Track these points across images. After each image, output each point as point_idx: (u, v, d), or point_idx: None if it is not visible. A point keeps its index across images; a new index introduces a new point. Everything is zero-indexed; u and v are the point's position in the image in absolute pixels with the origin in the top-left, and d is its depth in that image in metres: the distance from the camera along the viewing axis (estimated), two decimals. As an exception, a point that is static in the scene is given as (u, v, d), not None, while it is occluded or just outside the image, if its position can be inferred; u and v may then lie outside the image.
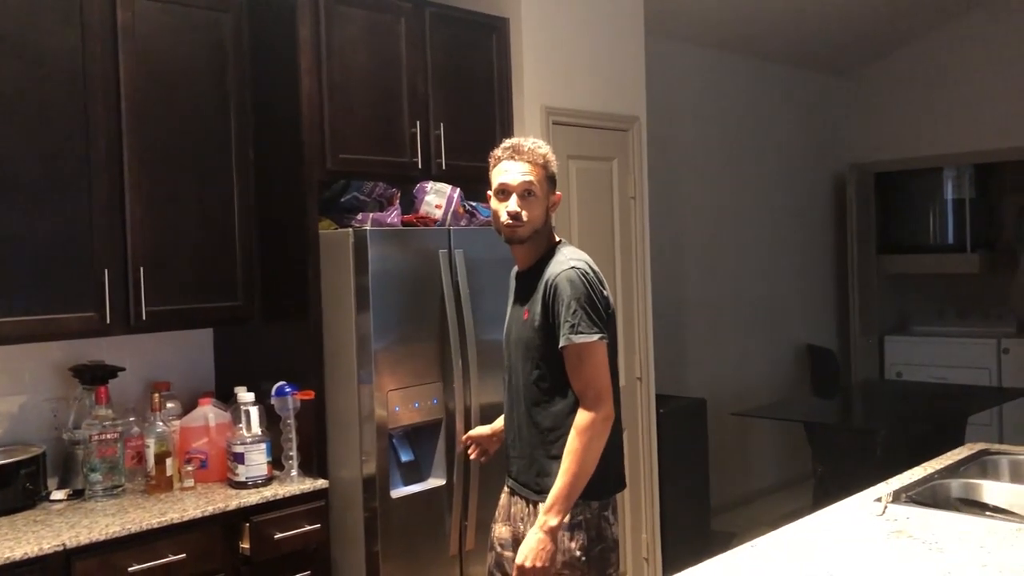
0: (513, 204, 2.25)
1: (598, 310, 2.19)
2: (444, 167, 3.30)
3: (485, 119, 3.50)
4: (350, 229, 2.94)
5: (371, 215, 3.08)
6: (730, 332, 5.91)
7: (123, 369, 2.95)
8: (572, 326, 2.16)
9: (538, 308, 2.24)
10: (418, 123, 3.23)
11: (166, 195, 2.89)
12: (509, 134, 3.52)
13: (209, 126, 3.00)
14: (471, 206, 3.33)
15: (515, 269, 2.42)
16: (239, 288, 3.08)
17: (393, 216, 3.12)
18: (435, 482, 3.05)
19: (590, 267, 2.25)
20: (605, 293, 2.25)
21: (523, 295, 2.33)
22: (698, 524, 4.65)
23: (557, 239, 2.36)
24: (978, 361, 6.55)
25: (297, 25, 2.95)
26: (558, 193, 2.36)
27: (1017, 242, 6.90)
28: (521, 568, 2.14)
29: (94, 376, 2.87)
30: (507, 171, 2.27)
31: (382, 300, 2.89)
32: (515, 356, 2.34)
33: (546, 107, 3.64)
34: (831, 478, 4.55)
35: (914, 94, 6.62)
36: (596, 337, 2.16)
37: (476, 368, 3.08)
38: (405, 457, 3.02)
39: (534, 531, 2.15)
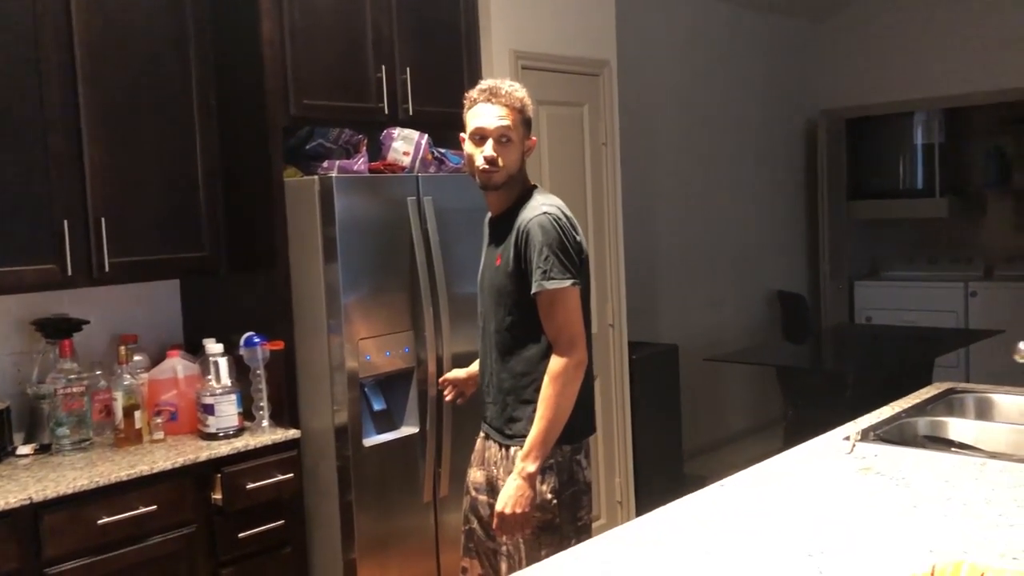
0: (489, 149, 2.21)
1: (570, 255, 2.17)
2: (411, 113, 3.24)
3: (453, 64, 3.43)
4: (316, 177, 2.89)
5: (337, 162, 3.03)
6: (701, 279, 5.93)
7: (87, 322, 2.90)
8: (544, 272, 2.14)
9: (510, 254, 2.21)
10: (383, 68, 3.16)
11: (125, 144, 2.82)
12: (477, 79, 3.43)
13: (168, 73, 2.92)
14: (440, 153, 3.28)
15: (488, 215, 2.39)
16: (204, 238, 3.02)
17: (360, 163, 3.07)
18: (408, 430, 3.04)
19: (563, 212, 2.22)
20: (578, 238, 2.22)
21: (496, 241, 2.31)
22: (671, 468, 4.70)
23: (531, 184, 2.33)
24: (946, 304, 6.64)
25: (256, -35, 2.86)
26: (533, 138, 2.32)
27: (985, 187, 6.95)
28: (501, 515, 2.15)
29: (57, 329, 2.82)
30: (483, 114, 2.23)
31: (350, 249, 2.85)
32: (488, 302, 2.32)
33: (515, 51, 3.58)
34: (802, 421, 4.61)
35: (884, 39, 6.59)
36: (568, 283, 2.15)
37: (448, 316, 3.06)
38: (377, 406, 3.00)
39: (512, 478, 2.16)
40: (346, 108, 3.09)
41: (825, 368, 5.17)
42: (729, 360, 5.11)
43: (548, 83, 3.74)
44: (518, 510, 2.13)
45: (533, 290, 2.16)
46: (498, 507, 2.16)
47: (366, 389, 2.98)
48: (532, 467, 2.14)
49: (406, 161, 3.16)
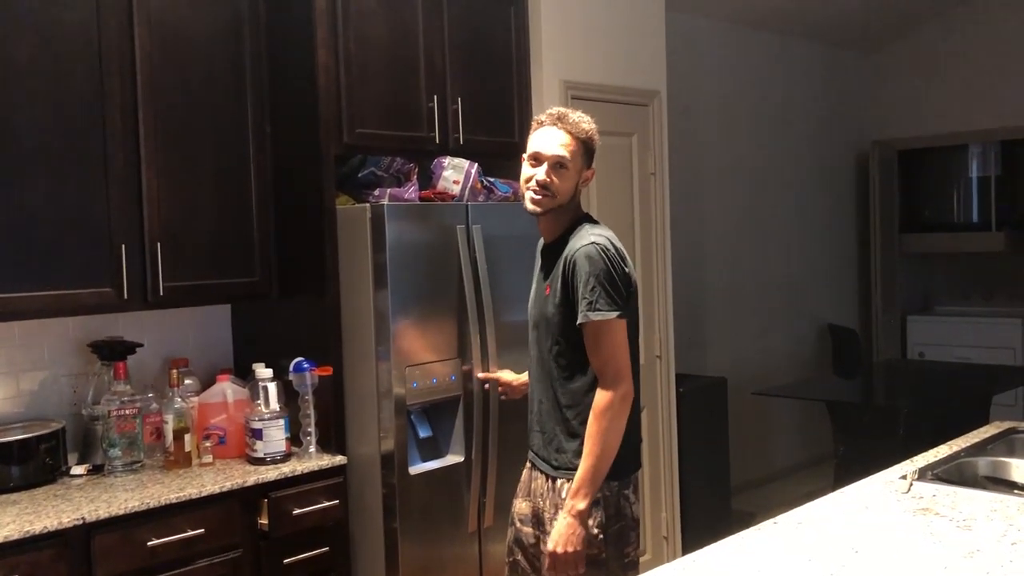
0: (542, 173, 2.21)
1: (617, 287, 2.15)
2: (462, 142, 3.26)
3: (503, 93, 3.46)
4: (367, 204, 2.92)
5: (388, 190, 3.05)
6: (751, 311, 5.86)
7: (141, 345, 2.95)
8: (590, 303, 2.12)
9: (558, 284, 2.20)
10: (435, 97, 3.19)
11: (182, 169, 2.87)
12: (527, 109, 3.48)
13: (225, 99, 2.98)
14: (489, 182, 3.30)
15: (541, 242, 2.38)
16: (256, 263, 3.06)
17: (411, 191, 3.09)
18: (453, 458, 3.03)
19: (611, 243, 2.20)
20: (627, 270, 2.20)
21: (546, 269, 2.30)
22: (718, 504, 4.62)
23: (585, 214, 2.32)
24: (1002, 341, 6.47)
25: (313, -4, 2.91)
26: (592, 168, 2.31)
27: (1043, 221, 6.79)
28: (553, 554, 2.12)
29: (112, 352, 2.87)
30: (545, 138, 2.23)
31: (400, 276, 2.87)
32: (537, 331, 2.31)
33: (565, 81, 3.60)
34: (853, 458, 4.50)
35: (938, 70, 6.51)
36: (614, 315, 2.12)
37: (495, 344, 3.05)
38: (423, 433, 3.00)
39: (562, 516, 2.14)
40: (398, 137, 3.12)
41: (877, 403, 5.06)
42: (778, 395, 5.03)
43: (597, 113, 3.67)
44: (570, 549, 2.10)
45: (579, 321, 2.14)
46: (549, 546, 2.14)
47: (412, 416, 2.97)
48: (582, 504, 2.11)
49: (456, 189, 3.17)
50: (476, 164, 3.22)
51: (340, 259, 2.97)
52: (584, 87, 3.67)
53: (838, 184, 6.70)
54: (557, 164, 2.20)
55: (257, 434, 2.84)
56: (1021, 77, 6.12)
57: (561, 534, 2.11)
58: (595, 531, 2.16)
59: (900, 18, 6.33)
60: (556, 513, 2.18)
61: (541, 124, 2.26)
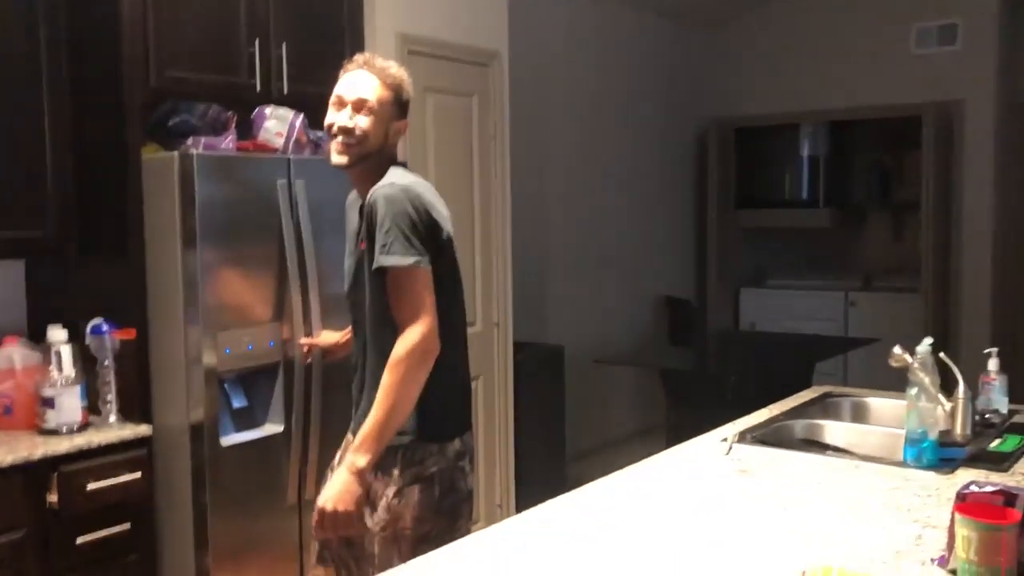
0: (345, 117, 2.05)
1: (418, 231, 1.96)
2: (286, 91, 3.06)
3: (334, 42, 3.26)
4: (175, 153, 2.68)
5: (203, 140, 2.82)
6: (590, 280, 5.89)
7: (-91, 306, 2.62)
8: (384, 246, 1.94)
9: (364, 232, 2.05)
10: (257, 41, 2.97)
11: (-40, 108, 2.55)
12: (359, 60, 3.30)
13: (12, 36, 2.66)
14: (316, 136, 3.10)
15: (352, 196, 2.22)
16: (50, 217, 2.77)
17: (228, 142, 2.87)
18: (272, 428, 2.85)
19: (418, 188, 2.04)
20: (435, 216, 2.03)
21: (359, 227, 2.13)
22: (553, 471, 4.62)
23: (399, 163, 2.15)
24: (827, 313, 6.77)
25: (116, -79, 2.63)
26: (405, 120, 2.14)
27: (867, 199, 7.15)
28: (322, 511, 1.97)
29: None
30: (350, 82, 2.09)
31: (212, 234, 2.66)
32: (354, 293, 2.15)
33: (401, 34, 3.44)
34: (684, 424, 4.59)
35: (777, 50, 6.71)
36: (411, 260, 1.95)
37: (318, 309, 2.88)
38: (238, 403, 2.80)
39: (340, 471, 1.99)
40: (215, 82, 2.89)
41: (708, 372, 5.18)
42: (615, 363, 5.07)
43: (436, 70, 3.61)
44: (341, 507, 1.94)
45: (373, 266, 1.97)
46: (319, 501, 1.98)
47: (226, 385, 2.78)
48: (363, 461, 1.95)
49: (278, 142, 2.97)
50: (302, 115, 3.03)
51: (146, 214, 2.72)
52: (422, 41, 3.52)
53: (678, 159, 6.82)
54: (362, 106, 2.05)
55: (49, 403, 2.58)
56: (852, 60, 6.39)
57: (336, 491, 1.95)
58: (390, 497, 2.00)
59: (741, -3, 6.47)
60: None
61: (346, 70, 2.12)
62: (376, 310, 2.05)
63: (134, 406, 2.72)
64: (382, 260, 1.95)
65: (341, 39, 3.29)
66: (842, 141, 7.06)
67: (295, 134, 2.99)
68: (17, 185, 2.68)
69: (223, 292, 2.70)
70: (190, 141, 2.81)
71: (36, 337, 2.83)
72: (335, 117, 2.06)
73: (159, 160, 2.71)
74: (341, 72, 2.13)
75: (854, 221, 7.15)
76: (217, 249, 2.68)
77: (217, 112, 2.90)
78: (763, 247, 7.40)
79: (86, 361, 2.68)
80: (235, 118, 2.93)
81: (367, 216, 2.00)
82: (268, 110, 2.99)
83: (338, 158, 2.06)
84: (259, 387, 2.85)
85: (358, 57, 2.14)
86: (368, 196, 2.01)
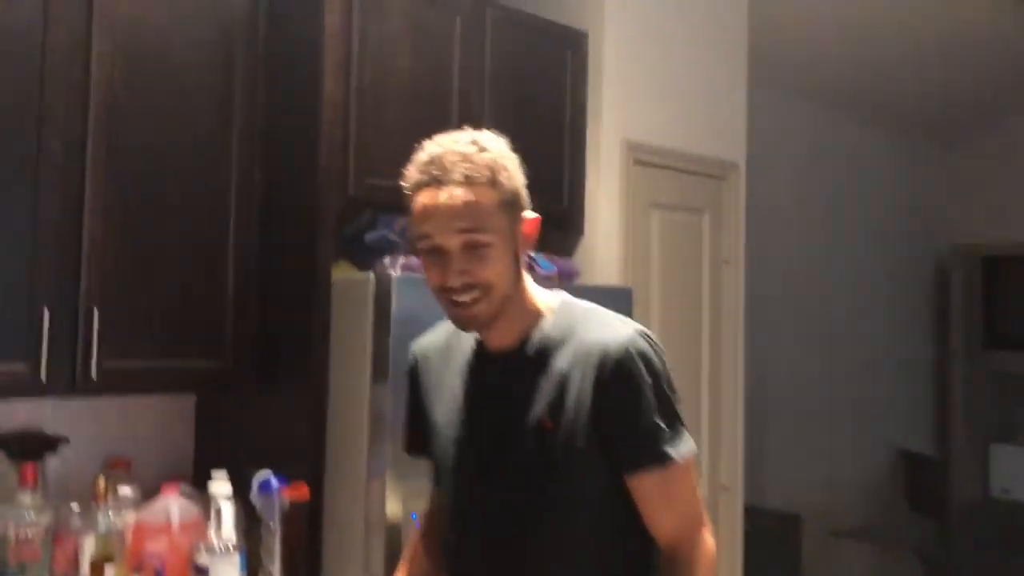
0: (454, 274, 1.32)
1: (678, 402, 1.39)
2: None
3: (553, 148, 2.82)
4: (371, 274, 2.25)
5: (402, 259, 2.39)
6: (816, 430, 5.07)
7: (65, 440, 2.26)
8: (660, 435, 1.34)
9: (576, 408, 1.35)
10: (470, 147, 2.55)
11: (139, 216, 2.23)
12: (580, 169, 2.85)
13: (205, 133, 2.36)
14: (530, 257, 2.62)
15: (469, 340, 1.49)
16: (228, 343, 2.38)
17: (430, 262, 2.42)
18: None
19: (652, 339, 1.40)
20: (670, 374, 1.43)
21: (513, 395, 1.41)
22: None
23: (546, 295, 1.46)
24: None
25: (324, 12, 2.31)
26: (530, 216, 1.39)
27: None
28: None
29: (23, 448, 2.18)
30: (431, 212, 1.32)
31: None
32: (506, 495, 1.41)
33: (627, 141, 2.95)
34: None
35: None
36: (692, 445, 1.38)
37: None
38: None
39: None
40: (419, 193, 2.48)
41: (957, 551, 4.19)
42: (854, 537, 4.21)
43: (664, 183, 3.10)
44: None
45: (640, 466, 1.35)
46: None
47: (413, 559, 2.23)
48: None
49: (488, 263, 2.50)
50: (515, 233, 2.56)
51: (332, 341, 2.30)
52: (650, 150, 3.02)
53: (914, 292, 5.97)
54: (471, 245, 1.32)
55: (203, 573, 2.12)
56: None
57: None
58: None
59: (986, 109, 5.70)
60: None
61: (417, 187, 1.35)
62: (598, 518, 1.39)
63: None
64: (672, 453, 1.34)
65: (561, 146, 2.84)
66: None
67: (507, 254, 2.52)
68: (194, 306, 2.32)
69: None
70: (388, 260, 2.39)
71: (200, 480, 2.41)
72: (439, 275, 1.35)
73: (351, 281, 2.29)
74: (409, 189, 1.37)
75: None
76: (411, 390, 2.20)
77: (419, 227, 2.48)
78: (1018, 396, 6.32)
79: (251, 519, 2.22)
80: (439, 234, 2.49)
81: (596, 383, 1.34)
82: (477, 226, 2.54)
83: (468, 324, 1.38)
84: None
85: (425, 156, 1.37)
86: (588, 353, 1.35)
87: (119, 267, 2.18)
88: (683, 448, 1.35)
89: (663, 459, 1.34)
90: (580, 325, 1.39)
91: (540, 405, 1.37)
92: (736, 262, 3.35)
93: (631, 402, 1.33)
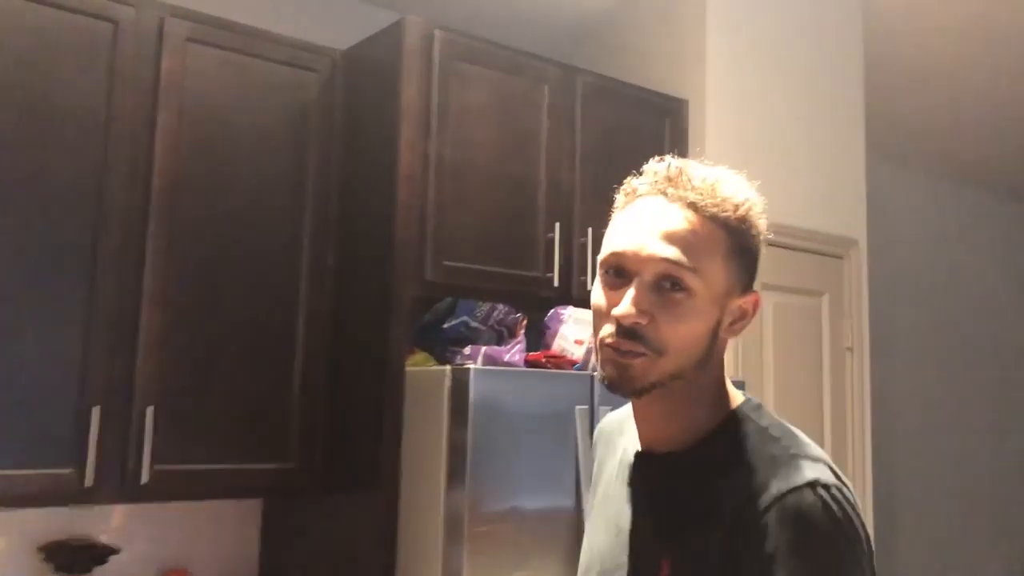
0: (628, 302, 0.96)
1: None
2: (590, 288, 2.36)
3: (651, 228, 2.56)
4: (447, 368, 2.01)
5: (483, 349, 2.15)
6: (952, 535, 4.54)
7: (116, 551, 2.07)
8: None
9: (711, 568, 0.94)
10: (557, 226, 2.33)
11: (201, 307, 2.07)
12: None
13: (273, 217, 2.20)
14: (627, 345, 2.35)
15: (623, 441, 1.14)
16: (294, 445, 2.18)
17: (515, 352, 2.18)
18: None
19: (846, 487, 0.94)
20: (872, 555, 0.94)
21: (651, 514, 1.03)
22: None
23: (746, 399, 1.05)
24: None
25: (401, 84, 2.15)
26: (753, 293, 1.03)
27: None
28: None
29: (72, 560, 2.00)
30: (637, 224, 1.00)
31: (487, 467, 1.92)
32: None
33: (736, 217, 2.67)
34: None
35: None
36: None
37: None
38: None
39: None
40: (502, 276, 2.26)
41: None
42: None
43: (778, 262, 2.79)
44: None
45: None
46: None
47: None
48: None
49: (578, 353, 2.24)
50: (609, 320, 2.29)
51: (406, 439, 2.06)
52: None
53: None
54: (665, 280, 0.97)
55: None
56: None
57: None
58: None
59: None
60: None
61: (632, 195, 1.04)
62: None
63: None
64: None
65: (660, 223, 2.58)
66: None
67: (601, 343, 2.25)
68: (258, 403, 2.13)
69: (497, 544, 1.92)
70: (468, 350, 2.16)
71: (264, 594, 2.19)
72: (603, 301, 1.01)
73: (426, 373, 2.06)
74: (621, 200, 1.06)
75: None
76: (491, 487, 1.93)
77: (503, 314, 2.25)
78: None
79: (312, 645, 1.97)
80: (525, 321, 2.26)
81: (745, 543, 0.91)
82: (566, 312, 2.30)
83: (609, 373, 0.99)
84: None
85: (659, 166, 1.03)
86: (751, 500, 0.92)
87: (178, 361, 2.01)
88: None
89: None
90: (753, 450, 0.97)
91: (666, 540, 0.99)
92: (860, 348, 2.99)
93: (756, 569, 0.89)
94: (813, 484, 0.90)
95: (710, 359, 1.00)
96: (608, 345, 0.97)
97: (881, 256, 4.02)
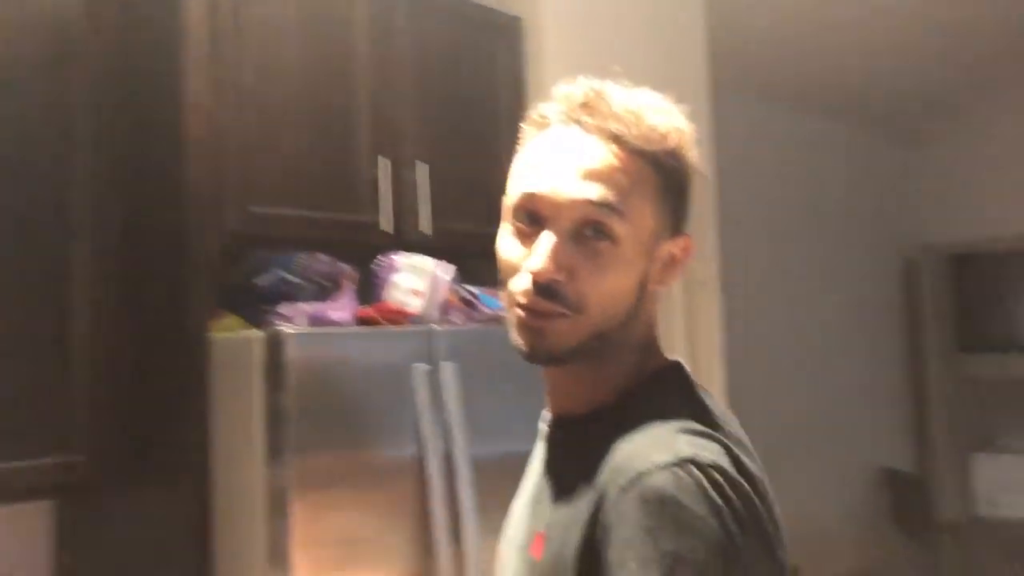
0: (540, 254, 0.85)
1: None
2: (428, 232, 2.10)
3: (490, 162, 2.31)
4: (260, 331, 1.71)
5: (305, 307, 1.86)
6: (789, 453, 4.62)
7: None
8: None
9: (570, 549, 0.83)
10: (387, 163, 2.04)
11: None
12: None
13: (39, 159, 1.80)
14: (470, 293, 2.12)
15: (544, 416, 1.00)
16: (82, 433, 1.82)
17: (343, 308, 1.90)
18: None
19: (728, 468, 0.81)
20: (773, 546, 0.82)
21: (547, 482, 0.94)
22: None
23: (666, 361, 0.94)
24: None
25: (181, -4, 1.79)
26: (684, 236, 0.92)
27: None
28: None
29: None
30: (549, 160, 0.88)
31: (312, 437, 1.66)
32: None
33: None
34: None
35: (998, 162, 5.51)
36: None
37: (477, 558, 1.80)
38: None
39: None
40: (323, 221, 1.96)
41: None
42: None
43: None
44: None
45: None
46: None
47: None
48: None
49: (416, 304, 1.99)
50: (450, 266, 2.05)
51: (216, 420, 1.75)
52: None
53: (883, 295, 5.60)
54: (588, 227, 0.86)
55: None
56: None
57: None
58: None
59: (954, 103, 5.36)
60: None
61: (545, 122, 0.91)
62: None
63: None
64: None
65: (498, 157, 2.33)
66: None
67: (440, 294, 2.00)
68: (32, 387, 1.76)
69: (332, 539, 1.68)
70: (287, 309, 1.86)
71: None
72: (514, 252, 0.89)
73: (237, 340, 1.75)
74: (530, 125, 0.93)
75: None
76: (319, 471, 1.67)
77: (326, 266, 1.96)
78: (997, 401, 5.99)
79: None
80: (353, 274, 1.97)
81: (595, 524, 0.81)
82: (399, 260, 2.02)
83: (525, 339, 0.87)
84: None
85: (575, 89, 0.90)
86: (610, 474, 0.82)
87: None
88: None
89: None
90: (643, 425, 0.84)
91: (550, 510, 0.89)
92: (711, 283, 2.88)
93: (605, 544, 0.79)
94: (684, 463, 0.79)
95: (637, 315, 0.90)
96: (521, 306, 0.86)
97: (732, 187, 3.96)
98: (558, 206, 0.85)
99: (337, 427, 1.72)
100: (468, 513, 1.80)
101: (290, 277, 1.92)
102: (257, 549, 1.69)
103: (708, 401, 0.91)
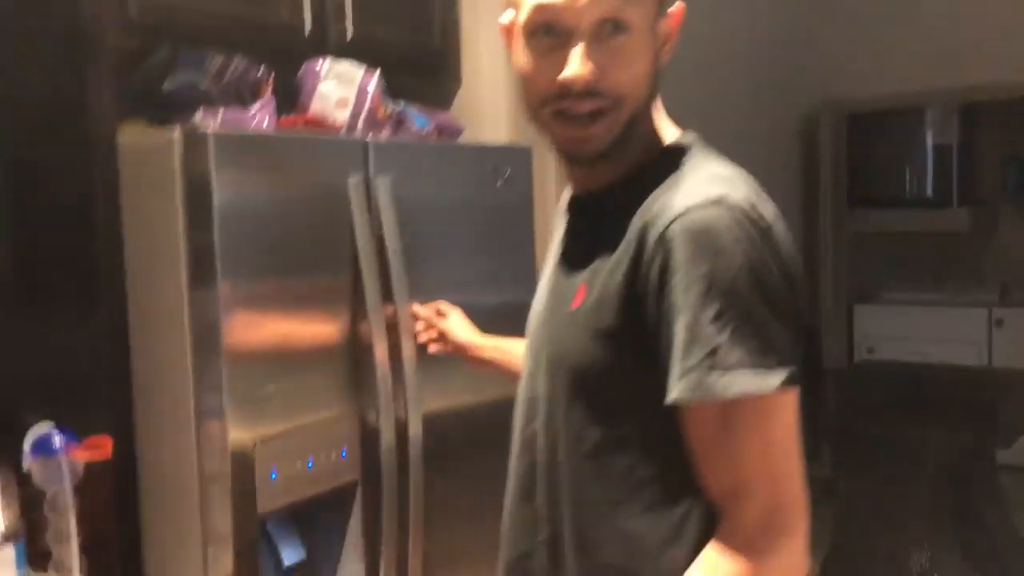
0: (577, 61, 0.94)
1: (776, 307, 0.91)
2: (351, 36, 1.94)
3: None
4: (175, 132, 1.55)
5: (221, 111, 1.70)
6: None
7: None
8: (710, 354, 0.88)
9: (616, 285, 0.94)
10: (306, -45, 1.85)
11: None
12: (457, -4, 2.19)
13: None
14: (397, 107, 1.98)
15: (566, 194, 1.13)
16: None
17: (262, 115, 1.74)
18: (346, 593, 1.72)
19: (753, 205, 0.95)
20: (788, 265, 0.96)
21: (578, 249, 1.04)
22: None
23: (676, 133, 1.08)
24: (965, 334, 5.65)
25: None
26: (678, 6, 1.04)
27: (1001, 196, 6.01)
28: None
29: None
30: None
31: (241, 262, 1.54)
32: (545, 374, 1.05)
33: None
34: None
35: (899, 16, 5.55)
36: (776, 380, 0.89)
37: (415, 383, 1.74)
38: (290, 558, 1.66)
39: None
40: (238, 21, 1.77)
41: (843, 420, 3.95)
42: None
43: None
44: None
45: (673, 396, 0.90)
46: None
47: (270, 528, 1.64)
48: None
49: (341, 116, 1.85)
50: (375, 74, 1.90)
51: (129, 232, 1.61)
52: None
53: (781, 148, 5.68)
54: (607, 24, 0.94)
55: (-44, 579, 1.46)
56: (988, 29, 5.23)
57: None
58: None
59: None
60: None
61: None
62: (628, 457, 0.97)
63: (113, 568, 1.59)
64: (710, 385, 0.88)
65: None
66: (976, 127, 5.95)
67: (368, 102, 1.86)
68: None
69: (262, 368, 1.57)
70: (200, 114, 1.69)
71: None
72: (547, 71, 0.95)
73: (148, 144, 1.59)
74: None
75: (990, 222, 6.02)
76: (249, 290, 1.55)
77: (242, 70, 1.78)
78: (880, 254, 6.28)
79: (28, 496, 1.55)
80: (272, 77, 1.80)
81: (642, 260, 0.93)
82: (323, 66, 1.86)
83: (582, 150, 1.00)
84: (324, 527, 1.71)
85: None
86: (648, 220, 0.94)
87: None
88: (734, 387, 0.87)
89: (700, 391, 0.88)
90: (671, 179, 0.98)
91: (586, 268, 1.00)
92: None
93: (672, 294, 0.90)
94: (719, 200, 0.92)
95: (654, 93, 1.02)
96: (567, 117, 0.96)
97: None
98: (578, 12, 0.92)
99: (267, 244, 1.59)
100: (407, 343, 1.72)
101: (203, 81, 1.74)
102: (182, 396, 1.57)
103: (724, 160, 1.04)
